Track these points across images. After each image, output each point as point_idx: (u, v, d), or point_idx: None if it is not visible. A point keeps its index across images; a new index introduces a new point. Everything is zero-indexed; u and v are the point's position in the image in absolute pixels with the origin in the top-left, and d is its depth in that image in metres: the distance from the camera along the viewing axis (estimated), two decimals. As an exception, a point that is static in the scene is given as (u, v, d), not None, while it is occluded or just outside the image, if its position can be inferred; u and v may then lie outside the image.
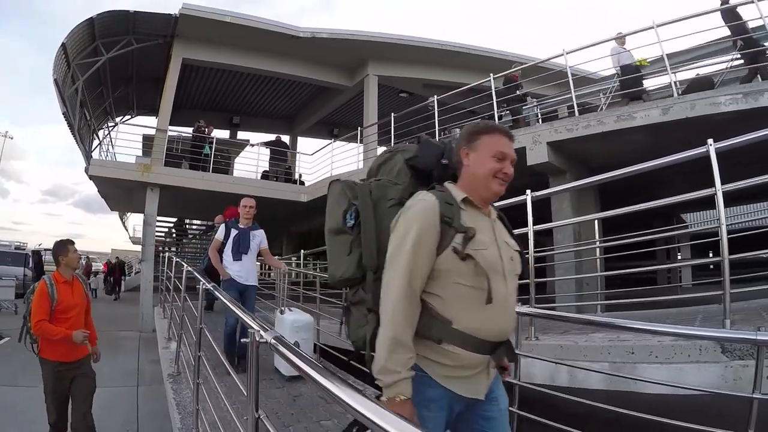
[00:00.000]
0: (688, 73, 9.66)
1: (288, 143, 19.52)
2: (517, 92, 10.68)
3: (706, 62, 9.59)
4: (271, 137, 17.63)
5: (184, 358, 5.48)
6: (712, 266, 12.81)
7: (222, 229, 6.26)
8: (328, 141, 16.61)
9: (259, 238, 6.26)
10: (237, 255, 6.02)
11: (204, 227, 24.00)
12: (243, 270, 6.00)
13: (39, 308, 4.11)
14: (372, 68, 16.21)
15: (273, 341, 1.80)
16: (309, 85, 17.84)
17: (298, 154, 18.63)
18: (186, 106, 18.57)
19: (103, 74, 14.78)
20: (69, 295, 4.35)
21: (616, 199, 8.47)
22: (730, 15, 8.29)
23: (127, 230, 30.97)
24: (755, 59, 8.05)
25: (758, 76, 7.93)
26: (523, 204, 5.38)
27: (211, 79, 17.53)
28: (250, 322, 2.17)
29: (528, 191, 5.34)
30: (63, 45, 12.00)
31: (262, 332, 1.92)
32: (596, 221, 7.00)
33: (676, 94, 7.85)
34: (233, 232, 6.10)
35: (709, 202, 4.13)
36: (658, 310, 5.92)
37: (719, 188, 3.94)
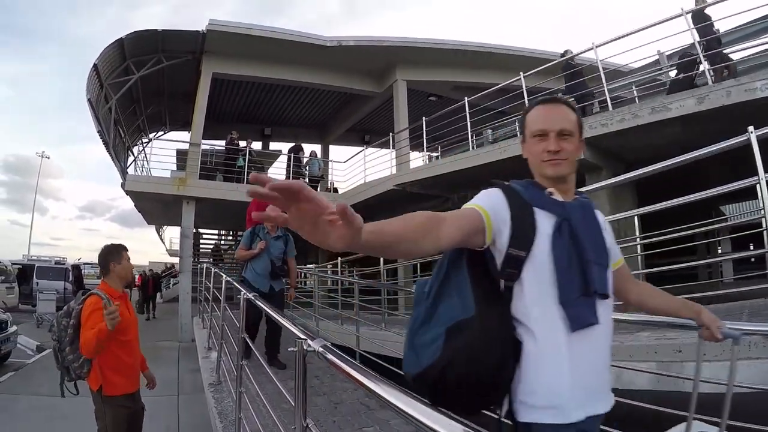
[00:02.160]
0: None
1: (318, 152, 19.77)
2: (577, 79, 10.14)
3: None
4: (305, 145, 17.88)
5: (225, 368, 5.51)
6: (753, 259, 12.40)
7: (247, 235, 6.29)
8: (360, 148, 16.67)
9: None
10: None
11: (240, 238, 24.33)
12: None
13: (89, 329, 3.24)
14: (400, 73, 16.22)
15: (321, 349, 1.78)
16: (338, 93, 17.96)
17: (330, 163, 18.77)
18: (218, 119, 18.89)
19: (135, 92, 15.18)
20: (126, 312, 3.56)
21: (656, 193, 8.29)
22: (699, 18, 8.22)
23: (164, 243, 31.54)
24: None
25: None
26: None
27: (241, 92, 17.80)
28: (295, 331, 2.17)
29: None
30: (95, 66, 12.33)
31: (309, 341, 1.89)
32: (636, 217, 6.81)
33: (710, 82, 7.63)
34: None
35: (750, 193, 3.99)
36: (709, 305, 5.71)
37: (762, 177, 3.82)
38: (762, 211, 3.86)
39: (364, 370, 1.38)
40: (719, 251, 15.08)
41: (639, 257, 6.65)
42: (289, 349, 2.07)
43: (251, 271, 6.07)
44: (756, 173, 4.01)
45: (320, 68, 15.94)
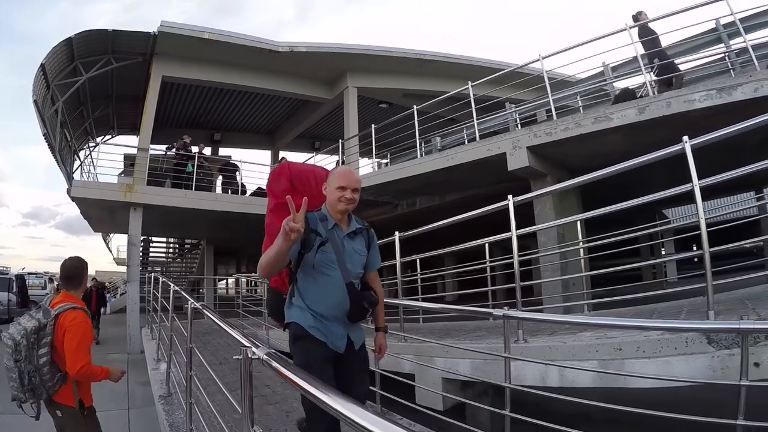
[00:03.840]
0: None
1: (268, 158, 19.50)
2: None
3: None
4: (253, 152, 17.70)
5: (175, 379, 5.42)
6: (696, 259, 12.96)
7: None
8: (310, 154, 16.64)
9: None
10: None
11: (189, 246, 23.85)
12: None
13: (84, 348, 3.24)
14: (351, 80, 16.31)
15: (265, 357, 1.80)
16: (289, 99, 17.91)
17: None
18: (167, 123, 18.51)
19: (82, 94, 14.67)
20: None
21: (599, 199, 8.61)
22: (643, 32, 8.60)
23: (111, 251, 30.51)
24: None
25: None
26: (507, 209, 5.55)
27: (191, 96, 17.52)
28: (239, 338, 2.22)
29: (510, 196, 5.44)
30: (42, 66, 11.89)
31: (254, 348, 1.92)
32: (579, 222, 7.08)
33: (651, 94, 8.01)
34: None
35: (689, 197, 4.24)
36: (644, 306, 5.99)
37: (696, 183, 4.06)
38: (697, 215, 4.09)
39: (308, 376, 1.45)
40: (663, 253, 15.73)
41: (582, 260, 6.86)
42: (234, 357, 2.07)
43: (305, 310, 2.71)
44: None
45: (272, 74, 15.86)
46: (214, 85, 16.12)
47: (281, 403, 5.15)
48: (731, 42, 8.96)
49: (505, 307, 4.05)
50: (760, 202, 13.66)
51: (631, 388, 3.88)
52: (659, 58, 8.43)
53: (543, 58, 9.38)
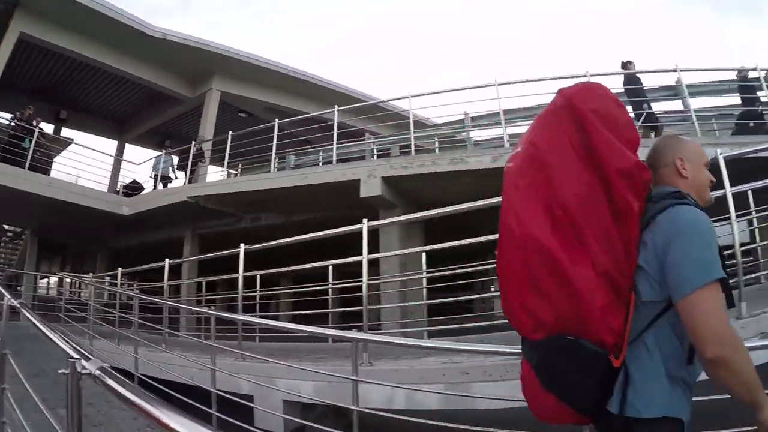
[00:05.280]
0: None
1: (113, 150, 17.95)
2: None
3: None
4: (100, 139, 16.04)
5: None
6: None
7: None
8: (158, 152, 15.64)
9: None
10: None
11: (11, 233, 20.93)
12: None
13: None
14: (217, 82, 15.71)
15: (98, 372, 1.52)
16: (148, 89, 16.57)
17: (125, 162, 17.22)
18: (8, 89, 16.06)
19: None
20: None
21: (442, 235, 9.14)
22: (630, 80, 9.34)
23: None
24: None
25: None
26: (357, 233, 5.72)
27: (46, 63, 15.33)
28: (67, 350, 1.87)
29: (365, 220, 5.58)
30: None
31: (84, 362, 1.62)
32: (423, 254, 7.41)
33: (507, 145, 8.87)
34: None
35: None
36: (480, 335, 6.36)
37: None
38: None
39: (153, 398, 1.27)
40: (492, 288, 17.05)
41: (424, 290, 7.23)
42: (59, 372, 1.74)
43: (676, 384, 1.44)
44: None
45: (138, 58, 14.70)
46: (74, 56, 14.35)
47: (107, 425, 4.60)
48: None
49: (354, 330, 4.09)
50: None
51: (477, 409, 4.10)
52: (642, 106, 9.07)
53: (412, 97, 9.86)
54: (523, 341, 1.64)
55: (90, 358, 1.64)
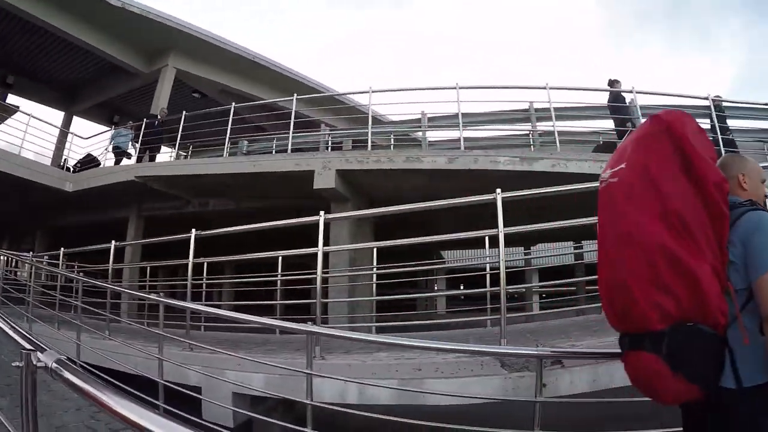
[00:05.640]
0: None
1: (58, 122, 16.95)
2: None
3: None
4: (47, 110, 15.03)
5: None
6: (463, 297, 14.59)
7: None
8: (106, 127, 15.04)
9: None
10: None
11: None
12: None
13: None
14: (173, 59, 15.19)
15: (55, 365, 1.43)
16: (101, 60, 15.78)
17: (70, 136, 16.43)
18: None
19: None
20: None
21: (392, 231, 9.26)
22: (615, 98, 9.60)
23: None
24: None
25: None
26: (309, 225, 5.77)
27: None
28: (19, 340, 1.78)
29: (322, 212, 5.58)
30: None
31: (39, 354, 1.52)
32: (375, 249, 7.46)
33: (462, 148, 9.00)
34: None
35: (462, 243, 4.99)
36: (428, 332, 6.47)
37: (502, 230, 4.66)
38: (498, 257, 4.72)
39: (120, 394, 1.22)
40: (435, 287, 17.38)
41: (373, 285, 7.28)
42: (14, 365, 1.59)
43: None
44: (481, 228, 5.04)
45: (94, 25, 13.98)
46: (27, 18, 13.44)
47: (48, 417, 4.36)
48: (537, 123, 10.35)
49: (309, 323, 4.08)
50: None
51: (430, 405, 4.14)
52: (626, 124, 9.28)
53: (372, 92, 9.89)
54: (624, 337, 1.91)
55: (45, 350, 1.55)
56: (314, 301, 5.56)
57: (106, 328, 6.85)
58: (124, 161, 13.45)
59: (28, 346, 1.57)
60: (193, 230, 6.56)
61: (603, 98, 9.90)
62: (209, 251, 8.14)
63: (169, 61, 15.21)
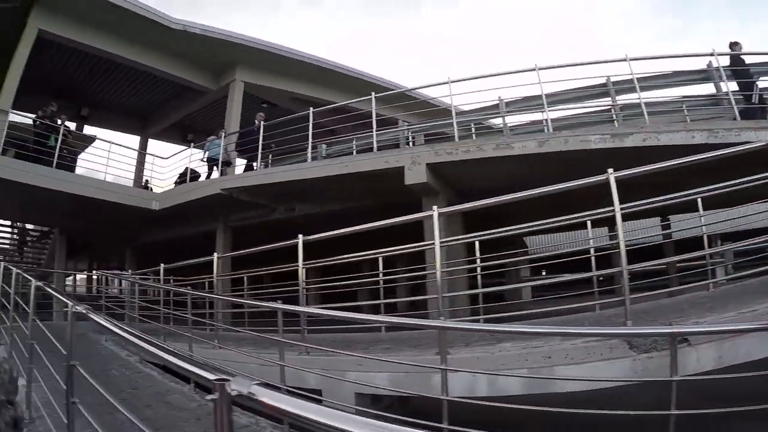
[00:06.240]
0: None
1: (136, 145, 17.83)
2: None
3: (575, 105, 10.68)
4: (122, 135, 15.91)
5: (38, 401, 4.39)
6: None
7: None
8: (182, 146, 15.56)
9: None
10: None
11: (39, 233, 20.94)
12: None
13: None
14: (240, 73, 15.64)
15: (252, 390, 1.24)
16: (170, 83, 16.54)
17: (150, 157, 17.16)
18: (31, 89, 16.01)
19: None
20: None
21: (480, 222, 9.07)
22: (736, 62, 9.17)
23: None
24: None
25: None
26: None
27: (66, 61, 15.37)
28: (199, 371, 1.53)
29: (435, 207, 5.55)
30: None
31: (233, 382, 1.29)
32: (477, 241, 7.29)
33: (550, 129, 8.76)
34: None
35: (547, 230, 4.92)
36: (527, 321, 6.31)
37: (618, 208, 4.57)
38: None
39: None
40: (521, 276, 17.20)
41: (478, 277, 7.20)
42: (207, 398, 1.34)
43: None
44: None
45: (158, 51, 14.65)
46: (93, 52, 14.31)
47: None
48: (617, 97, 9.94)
49: (441, 318, 4.02)
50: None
51: (562, 392, 4.09)
52: (751, 88, 8.91)
53: (451, 82, 9.77)
54: None
55: (236, 374, 1.34)
56: (435, 296, 5.45)
57: (215, 338, 7.03)
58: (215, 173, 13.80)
59: (210, 376, 1.38)
60: (300, 236, 6.61)
61: (688, 64, 9.42)
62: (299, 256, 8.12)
63: (236, 75, 15.67)
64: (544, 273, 18.07)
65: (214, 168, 13.83)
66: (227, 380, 1.28)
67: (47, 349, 4.38)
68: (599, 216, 5.10)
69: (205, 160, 14.28)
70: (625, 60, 9.06)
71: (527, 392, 4.21)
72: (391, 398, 5.04)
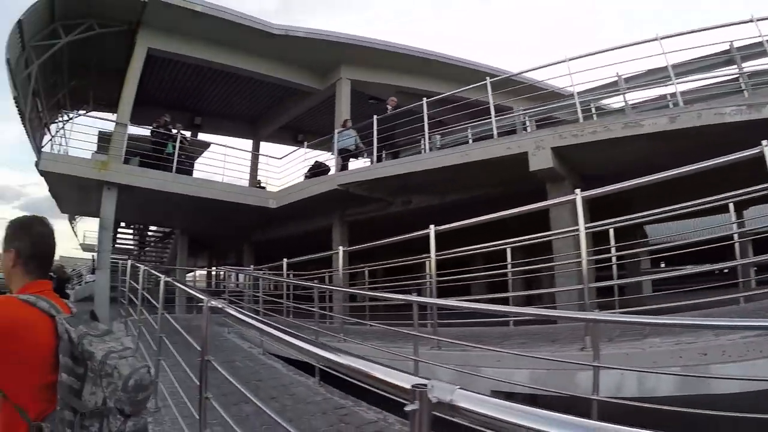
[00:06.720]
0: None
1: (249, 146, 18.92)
2: None
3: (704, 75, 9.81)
4: (234, 140, 16.81)
5: (164, 390, 4.63)
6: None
7: None
8: (293, 147, 16.10)
9: None
10: None
11: (161, 234, 22.72)
12: None
13: None
14: (345, 71, 15.89)
15: (454, 397, 1.00)
16: (277, 86, 17.18)
17: (263, 158, 17.98)
18: (145, 103, 17.42)
19: (59, 60, 13.54)
20: None
21: (605, 208, 8.50)
22: None
23: (77, 236, 28.63)
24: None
25: None
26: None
27: (176, 75, 16.58)
28: (391, 379, 1.20)
29: (578, 191, 5.42)
30: (19, 22, 10.90)
31: (436, 388, 1.02)
32: (611, 230, 6.84)
33: (681, 104, 8.00)
34: None
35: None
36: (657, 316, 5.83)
37: None
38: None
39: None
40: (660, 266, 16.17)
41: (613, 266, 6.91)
42: (406, 409, 1.05)
43: None
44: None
45: (263, 57, 15.24)
46: (201, 63, 15.26)
47: None
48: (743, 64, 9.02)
49: (595, 309, 3.75)
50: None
51: (715, 394, 3.74)
52: None
53: (570, 59, 9.25)
54: None
55: (429, 379, 1.10)
56: (581, 286, 5.10)
57: (340, 331, 7.08)
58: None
59: (401, 384, 1.14)
60: (432, 226, 6.52)
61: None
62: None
63: (342, 73, 15.93)
64: (662, 265, 16.74)
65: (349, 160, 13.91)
66: (425, 386, 1.04)
67: (172, 341, 4.69)
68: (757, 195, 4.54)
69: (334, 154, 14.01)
70: (751, 21, 8.23)
71: (680, 393, 3.87)
72: (520, 396, 4.75)
